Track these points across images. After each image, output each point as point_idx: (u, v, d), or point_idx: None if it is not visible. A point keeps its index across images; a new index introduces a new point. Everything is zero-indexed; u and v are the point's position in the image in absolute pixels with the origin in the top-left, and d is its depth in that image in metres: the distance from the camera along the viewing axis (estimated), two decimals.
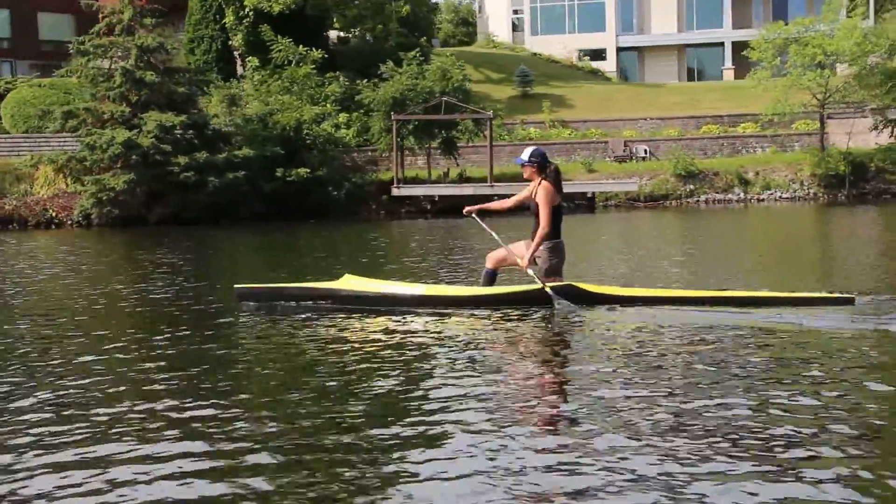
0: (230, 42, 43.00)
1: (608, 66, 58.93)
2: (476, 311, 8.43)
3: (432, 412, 4.93)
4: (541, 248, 8.55)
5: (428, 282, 10.14)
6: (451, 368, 6.05)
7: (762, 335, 7.09)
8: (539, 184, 8.61)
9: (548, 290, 8.36)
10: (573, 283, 8.63)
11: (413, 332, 7.52)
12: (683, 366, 5.95)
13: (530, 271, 8.60)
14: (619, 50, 61.44)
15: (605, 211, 32.94)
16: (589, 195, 33.65)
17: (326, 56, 34.28)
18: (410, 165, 37.16)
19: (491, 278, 8.95)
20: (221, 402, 5.28)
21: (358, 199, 33.25)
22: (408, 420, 4.80)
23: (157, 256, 17.21)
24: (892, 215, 25.27)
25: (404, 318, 8.23)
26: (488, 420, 4.75)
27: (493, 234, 9.00)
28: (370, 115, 35.69)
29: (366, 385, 5.63)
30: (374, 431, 4.59)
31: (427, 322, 8.00)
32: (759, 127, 38.81)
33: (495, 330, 7.63)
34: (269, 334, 7.69)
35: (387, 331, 7.64)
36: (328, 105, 33.18)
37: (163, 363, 6.51)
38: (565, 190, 9.55)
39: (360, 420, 4.83)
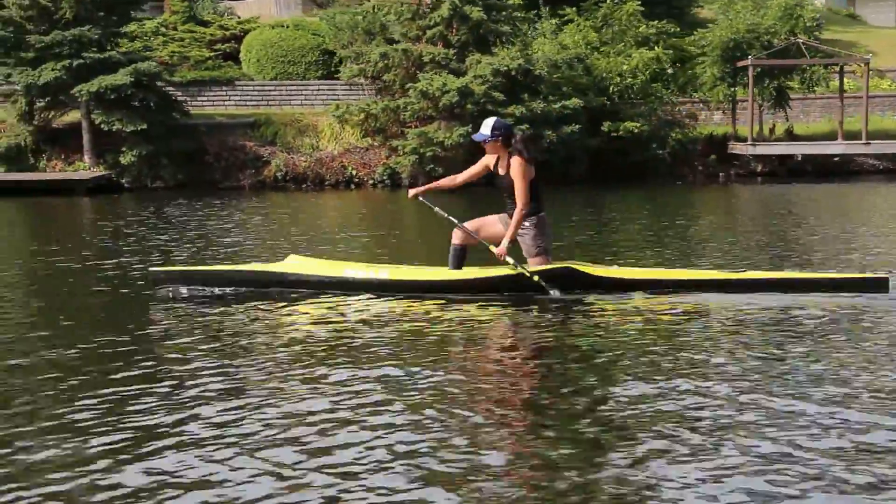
0: None
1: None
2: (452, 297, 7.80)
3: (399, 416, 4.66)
4: (524, 225, 7.81)
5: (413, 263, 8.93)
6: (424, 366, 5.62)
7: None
8: (509, 158, 7.80)
9: (535, 278, 7.66)
10: (570, 265, 7.97)
11: (387, 320, 7.08)
12: (680, 358, 5.60)
13: (509, 259, 7.80)
14: None
15: None
16: None
17: None
18: (706, 121, 32.32)
19: (460, 257, 8.06)
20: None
21: (681, 159, 28.78)
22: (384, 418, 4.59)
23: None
24: None
25: (367, 304, 7.66)
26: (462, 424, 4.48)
27: (448, 216, 8.14)
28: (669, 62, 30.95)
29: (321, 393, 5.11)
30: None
31: (397, 308, 7.53)
32: None
33: (472, 321, 7.06)
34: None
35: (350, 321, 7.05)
36: (658, 49, 28.38)
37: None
38: None
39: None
